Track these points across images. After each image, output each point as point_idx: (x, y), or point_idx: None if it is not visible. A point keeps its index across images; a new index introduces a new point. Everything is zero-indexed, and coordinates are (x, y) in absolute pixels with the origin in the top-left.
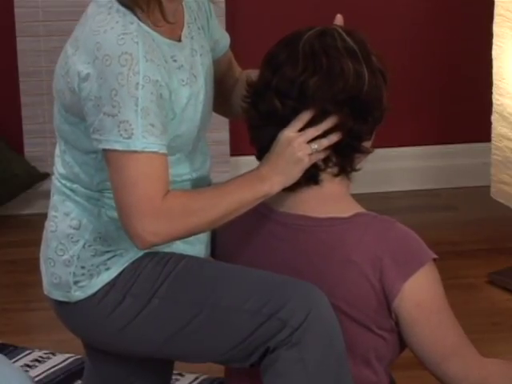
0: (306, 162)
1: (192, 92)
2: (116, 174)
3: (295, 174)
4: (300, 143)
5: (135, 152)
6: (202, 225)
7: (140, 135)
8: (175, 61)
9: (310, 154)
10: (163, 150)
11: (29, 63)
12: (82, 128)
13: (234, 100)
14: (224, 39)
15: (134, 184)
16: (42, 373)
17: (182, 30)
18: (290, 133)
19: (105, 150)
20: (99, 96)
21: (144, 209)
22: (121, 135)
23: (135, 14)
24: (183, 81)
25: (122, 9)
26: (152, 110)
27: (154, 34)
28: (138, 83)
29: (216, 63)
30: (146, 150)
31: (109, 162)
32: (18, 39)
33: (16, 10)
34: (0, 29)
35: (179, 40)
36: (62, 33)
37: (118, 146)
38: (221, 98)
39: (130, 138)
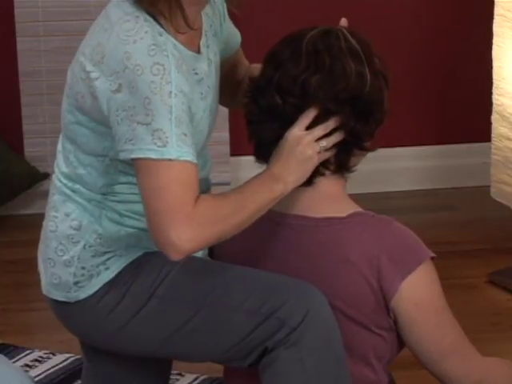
0: (316, 160)
1: (207, 104)
2: (147, 182)
3: (306, 172)
4: (309, 141)
5: (170, 160)
6: (231, 228)
7: (175, 144)
8: (196, 74)
9: (319, 153)
10: (195, 160)
11: (29, 63)
12: (101, 130)
13: (241, 93)
14: (236, 38)
15: (165, 191)
16: (42, 373)
17: (200, 39)
18: (298, 131)
19: (135, 159)
20: (132, 105)
21: (177, 216)
22: (155, 143)
23: (160, 24)
24: (202, 94)
25: (149, 18)
26: (184, 119)
27: (180, 46)
28: (171, 92)
29: (227, 60)
30: (181, 158)
31: (140, 170)
32: (18, 39)
33: (16, 10)
34: (0, 29)
35: (198, 51)
36: (62, 33)
37: (152, 155)
38: (229, 91)
39: (164, 146)
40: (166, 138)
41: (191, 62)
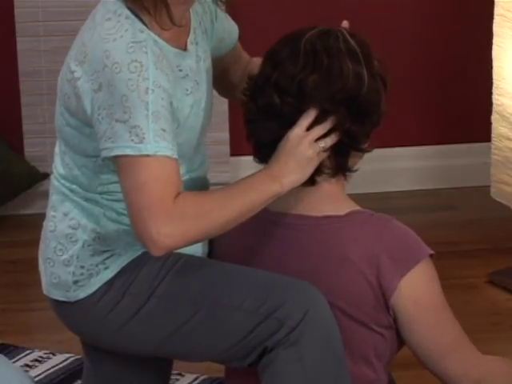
0: (316, 161)
1: (195, 100)
2: (127, 178)
3: (306, 172)
4: (310, 142)
5: (147, 156)
6: (215, 226)
7: (152, 139)
8: (180, 70)
9: (318, 152)
10: (175, 155)
11: (29, 63)
12: (87, 132)
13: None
14: (233, 34)
15: (145, 187)
16: (42, 373)
17: (188, 36)
18: (299, 131)
19: (116, 157)
20: (111, 104)
21: (157, 211)
22: (132, 140)
23: (142, 21)
24: (187, 90)
25: (131, 16)
26: (162, 114)
27: (162, 42)
28: (147, 88)
29: (225, 55)
30: (158, 153)
31: (120, 167)
32: (18, 39)
33: (16, 10)
34: (0, 29)
35: (185, 48)
36: (61, 33)
37: (129, 151)
38: (231, 85)
39: (141, 142)
40: (143, 134)
41: (174, 59)
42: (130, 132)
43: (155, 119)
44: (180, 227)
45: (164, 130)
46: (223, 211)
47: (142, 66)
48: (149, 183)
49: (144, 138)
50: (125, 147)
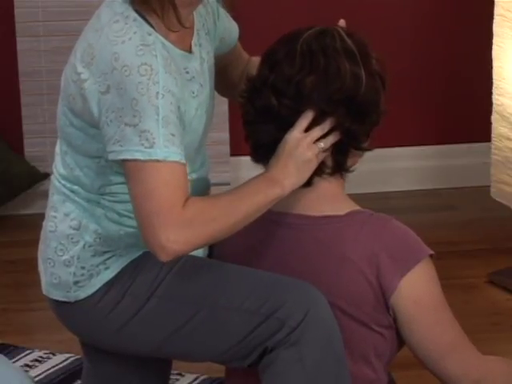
0: (315, 163)
1: (199, 103)
2: (136, 183)
3: (306, 174)
4: (308, 143)
5: (157, 161)
6: (222, 230)
7: (162, 144)
8: (187, 72)
9: (317, 154)
10: (183, 160)
11: (29, 63)
12: (91, 132)
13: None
14: (233, 34)
15: (154, 193)
16: (42, 373)
17: (191, 39)
18: (297, 133)
19: (124, 161)
20: (121, 107)
21: (166, 217)
22: (142, 144)
23: (149, 24)
24: (193, 93)
25: (139, 18)
26: (171, 119)
27: (169, 45)
28: (158, 92)
29: (225, 54)
30: (168, 159)
31: (129, 171)
32: (18, 39)
33: (16, 10)
34: (0, 29)
35: (190, 50)
36: (62, 33)
37: (139, 156)
38: (230, 84)
39: (151, 147)
40: (153, 138)
41: (181, 62)
42: (140, 136)
43: (165, 124)
44: (189, 233)
45: (173, 135)
46: (230, 216)
47: (152, 70)
48: (158, 189)
49: (154, 142)
50: (134, 151)
